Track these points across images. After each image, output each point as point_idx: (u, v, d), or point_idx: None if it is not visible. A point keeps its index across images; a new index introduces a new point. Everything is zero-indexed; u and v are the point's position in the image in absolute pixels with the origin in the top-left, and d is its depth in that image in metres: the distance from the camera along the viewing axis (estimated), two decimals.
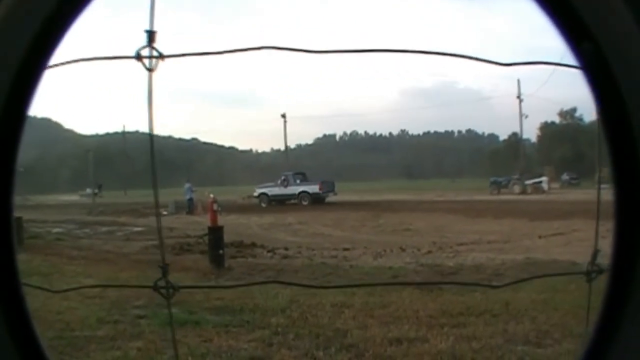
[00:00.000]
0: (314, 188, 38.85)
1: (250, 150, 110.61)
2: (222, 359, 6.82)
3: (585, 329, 1.28)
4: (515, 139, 64.28)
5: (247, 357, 6.93)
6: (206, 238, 15.27)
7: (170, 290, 1.59)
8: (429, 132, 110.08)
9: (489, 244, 17.75)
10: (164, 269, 1.60)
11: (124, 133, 77.37)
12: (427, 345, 7.15)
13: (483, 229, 21.27)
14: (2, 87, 1.11)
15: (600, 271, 1.36)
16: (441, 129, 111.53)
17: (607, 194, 1.18)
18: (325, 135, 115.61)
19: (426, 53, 1.56)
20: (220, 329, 8.01)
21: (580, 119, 66.85)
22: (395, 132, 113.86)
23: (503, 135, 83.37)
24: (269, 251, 17.52)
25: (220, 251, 14.33)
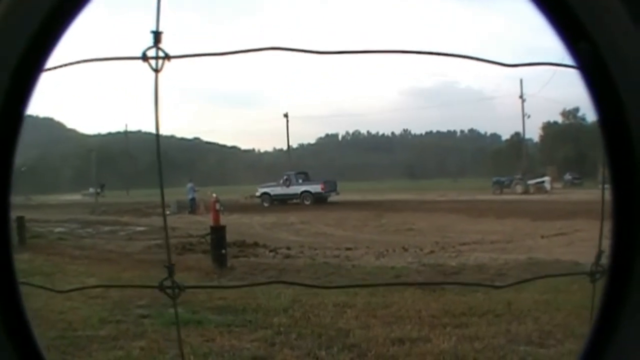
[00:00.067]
0: (316, 188, 38.82)
1: (253, 150, 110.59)
2: (225, 358, 6.82)
3: (589, 330, 1.27)
4: (517, 139, 64.19)
5: (249, 356, 6.93)
6: (208, 238, 15.26)
7: (176, 291, 1.59)
8: (431, 132, 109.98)
9: (491, 244, 17.72)
10: (170, 269, 1.60)
11: (126, 133, 77.45)
12: (430, 346, 7.15)
13: (485, 229, 21.24)
14: (1, 87, 1.11)
15: (604, 272, 1.36)
16: (443, 129, 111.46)
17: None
18: (327, 135, 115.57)
19: (430, 54, 1.56)
20: (223, 328, 8.01)
21: (583, 119, 66.63)
22: (397, 131, 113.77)
23: (505, 135, 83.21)
24: (271, 251, 17.51)
25: (223, 251, 14.33)
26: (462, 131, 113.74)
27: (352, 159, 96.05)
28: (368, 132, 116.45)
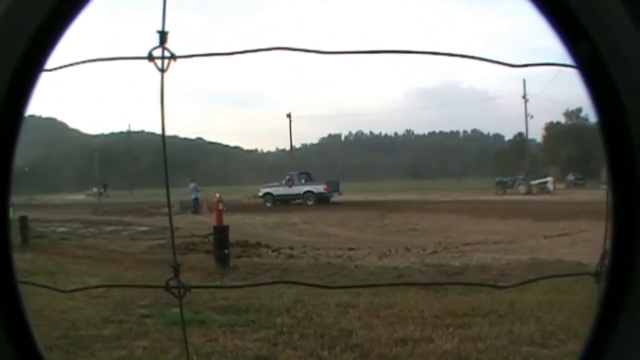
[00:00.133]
0: (318, 188, 38.78)
1: (256, 150, 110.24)
2: (228, 358, 6.83)
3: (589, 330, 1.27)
4: (520, 139, 64.05)
5: (252, 356, 6.94)
6: (211, 237, 15.26)
7: (182, 290, 1.59)
8: (434, 132, 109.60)
9: (494, 244, 17.70)
10: (176, 269, 1.60)
11: (129, 133, 77.44)
12: (432, 346, 7.16)
13: (488, 229, 21.22)
14: (0, 87, 1.11)
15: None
16: (446, 129, 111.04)
17: None
18: (330, 135, 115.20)
19: (435, 54, 1.56)
20: (226, 328, 8.03)
21: (586, 120, 66.36)
22: (400, 132, 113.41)
23: (508, 136, 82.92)
24: (274, 251, 17.52)
25: (226, 251, 14.35)
26: (465, 131, 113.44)
27: (354, 159, 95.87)
28: (371, 132, 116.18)
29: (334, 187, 39.86)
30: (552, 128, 73.23)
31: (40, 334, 1.23)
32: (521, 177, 44.53)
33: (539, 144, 73.04)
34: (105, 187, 47.92)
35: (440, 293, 10.04)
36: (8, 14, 1.10)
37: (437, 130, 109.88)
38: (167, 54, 1.37)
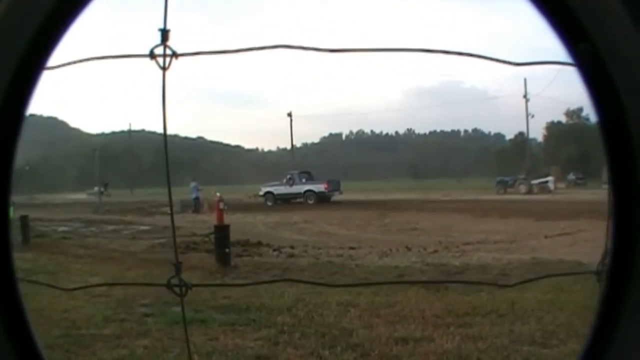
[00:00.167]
0: (319, 187, 38.76)
1: (257, 149, 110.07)
2: (228, 357, 6.84)
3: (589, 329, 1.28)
4: (521, 139, 64.02)
5: (253, 355, 6.95)
6: (212, 237, 15.26)
7: (183, 288, 1.59)
8: (435, 132, 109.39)
9: (495, 244, 17.70)
10: (177, 267, 1.60)
11: (130, 132, 77.44)
12: (433, 345, 7.15)
13: (489, 229, 21.20)
14: (1, 86, 1.11)
15: None
16: (447, 129, 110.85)
17: None
18: (331, 134, 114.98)
19: (437, 52, 1.56)
20: (227, 327, 8.03)
21: (587, 119, 66.19)
22: (401, 131, 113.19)
23: (509, 135, 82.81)
24: (275, 250, 17.52)
25: (227, 250, 14.34)
26: (466, 131, 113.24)
27: (355, 158, 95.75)
28: (372, 131, 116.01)
29: (334, 186, 39.83)
30: (553, 127, 73.17)
31: (41, 333, 1.24)
32: (522, 176, 44.49)
33: (540, 143, 72.99)
34: (106, 186, 47.95)
35: (441, 292, 10.04)
36: (8, 14, 1.11)
37: (438, 130, 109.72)
38: (168, 51, 1.37)
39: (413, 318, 8.40)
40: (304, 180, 39.92)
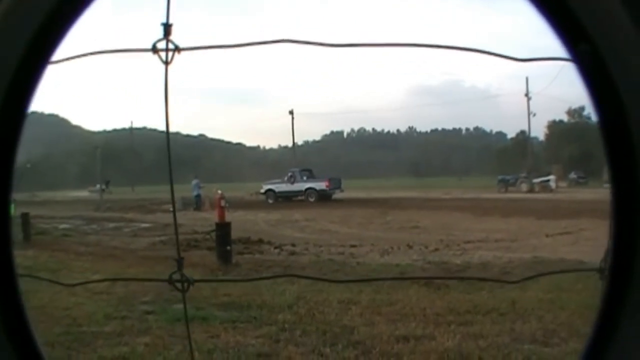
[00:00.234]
0: (320, 185, 38.78)
1: (258, 147, 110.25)
2: (230, 354, 6.83)
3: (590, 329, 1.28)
4: (523, 137, 63.97)
5: (254, 353, 6.94)
6: (213, 234, 15.26)
7: (185, 284, 1.59)
8: (436, 130, 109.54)
9: (496, 242, 17.70)
10: (179, 262, 1.60)
11: (131, 129, 77.54)
12: (434, 343, 7.15)
13: (490, 227, 21.19)
14: (2, 85, 1.11)
15: None
16: (449, 127, 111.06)
17: None
18: (332, 132, 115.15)
19: (441, 47, 1.55)
20: (228, 324, 8.04)
21: (589, 118, 66.13)
22: (402, 129, 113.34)
23: (511, 134, 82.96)
24: (276, 247, 17.53)
25: (228, 247, 14.32)
26: (467, 129, 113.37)
27: (357, 156, 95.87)
28: (373, 129, 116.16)
29: (336, 184, 39.85)
30: (554, 126, 73.17)
31: (42, 330, 1.24)
32: (523, 175, 44.51)
33: (541, 142, 73.05)
34: (107, 183, 48.03)
35: (442, 290, 10.05)
36: (8, 14, 1.10)
37: (440, 128, 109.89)
38: (171, 46, 1.36)
39: (414, 316, 8.39)
40: (305, 178, 39.94)
